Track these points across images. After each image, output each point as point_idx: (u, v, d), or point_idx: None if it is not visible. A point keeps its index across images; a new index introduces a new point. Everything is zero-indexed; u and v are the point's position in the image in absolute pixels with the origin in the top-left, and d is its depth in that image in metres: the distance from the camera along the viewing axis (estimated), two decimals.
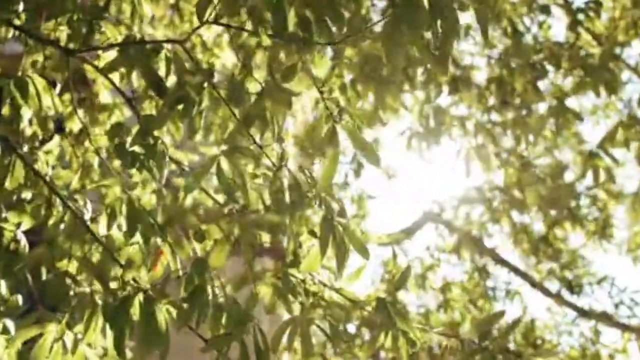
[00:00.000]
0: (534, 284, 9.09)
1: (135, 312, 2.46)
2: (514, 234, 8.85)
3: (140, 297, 2.49)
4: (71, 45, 3.04)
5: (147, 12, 3.27)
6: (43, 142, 3.16)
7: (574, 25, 5.93)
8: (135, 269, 2.64)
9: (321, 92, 2.20)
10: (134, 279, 2.63)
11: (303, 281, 2.97)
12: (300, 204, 2.35)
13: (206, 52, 3.69)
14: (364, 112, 2.17)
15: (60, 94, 3.15)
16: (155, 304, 2.47)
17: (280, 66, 2.19)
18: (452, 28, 1.98)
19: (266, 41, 2.19)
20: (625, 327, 9.26)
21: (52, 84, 2.97)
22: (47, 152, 3.15)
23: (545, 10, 6.10)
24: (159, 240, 2.64)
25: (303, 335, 2.89)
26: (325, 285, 2.99)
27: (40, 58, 3.21)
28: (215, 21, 2.34)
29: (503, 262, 9.01)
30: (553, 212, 8.51)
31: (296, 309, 2.93)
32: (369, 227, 7.99)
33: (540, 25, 7.02)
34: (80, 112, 3.28)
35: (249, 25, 2.25)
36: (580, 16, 5.92)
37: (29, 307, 2.87)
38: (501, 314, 3.26)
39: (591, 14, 5.88)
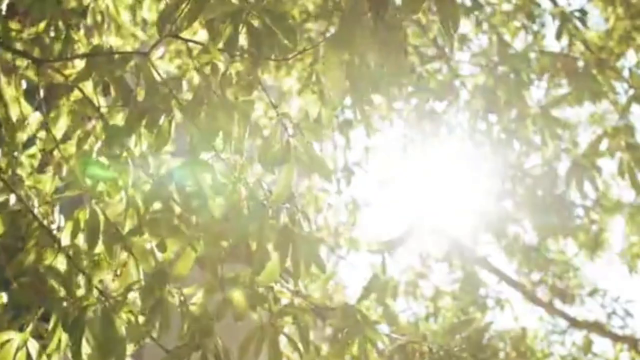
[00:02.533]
0: (525, 293, 9.10)
1: (93, 322, 2.47)
2: (506, 243, 8.86)
3: (99, 307, 2.49)
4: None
5: (124, 22, 3.28)
6: (25, 147, 3.17)
7: (560, 34, 5.93)
8: (98, 279, 2.65)
9: (275, 107, 2.21)
10: (97, 289, 2.65)
11: (271, 288, 2.99)
12: (256, 215, 2.36)
13: (176, 60, 3.72)
14: (314, 126, 2.17)
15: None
16: (114, 314, 2.48)
17: (237, 80, 2.20)
18: (398, 46, 1.98)
19: (218, 56, 2.20)
20: (617, 337, 9.25)
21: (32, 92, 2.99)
22: (31, 156, 3.17)
23: (531, 17, 6.11)
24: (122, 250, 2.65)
25: (271, 343, 2.91)
26: (294, 292, 3.01)
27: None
28: (176, 35, 2.35)
29: (494, 271, 9.01)
30: (545, 222, 8.52)
31: (265, 316, 2.95)
32: (361, 234, 8.00)
33: (535, 35, 7.03)
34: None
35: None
36: (568, 25, 5.93)
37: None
38: (470, 321, 3.28)
39: (577, 22, 5.88)
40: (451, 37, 2.08)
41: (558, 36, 5.90)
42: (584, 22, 5.83)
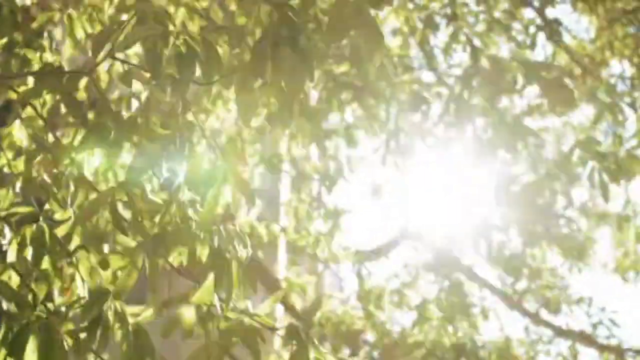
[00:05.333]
0: (511, 303, 9.11)
1: (33, 339, 2.50)
2: (491, 252, 8.88)
3: (38, 324, 2.52)
4: None
5: (80, 37, 3.32)
6: None
7: (533, 43, 5.97)
8: (44, 295, 2.68)
9: (202, 130, 2.25)
10: (43, 304, 2.68)
11: (220, 307, 3.01)
12: (183, 236, 2.40)
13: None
14: (234, 148, 2.21)
15: None
16: (54, 331, 2.51)
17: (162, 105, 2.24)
18: (307, 72, 2.01)
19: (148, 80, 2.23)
20: (603, 347, 9.25)
21: None
22: None
23: (506, 29, 6.14)
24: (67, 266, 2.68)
25: None
26: (242, 311, 3.02)
27: None
28: (113, 57, 2.39)
29: (480, 280, 9.02)
30: (530, 231, 8.55)
31: (212, 334, 2.97)
32: (346, 243, 8.02)
33: (519, 45, 7.06)
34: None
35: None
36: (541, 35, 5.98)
37: None
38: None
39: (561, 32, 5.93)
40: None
41: (532, 46, 5.94)
42: (558, 33, 5.87)
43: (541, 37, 7.00)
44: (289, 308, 6.74)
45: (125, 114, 2.61)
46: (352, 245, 8.01)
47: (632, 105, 6.69)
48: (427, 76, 6.81)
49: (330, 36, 1.99)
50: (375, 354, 8.16)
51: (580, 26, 7.81)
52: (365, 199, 8.44)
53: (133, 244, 2.75)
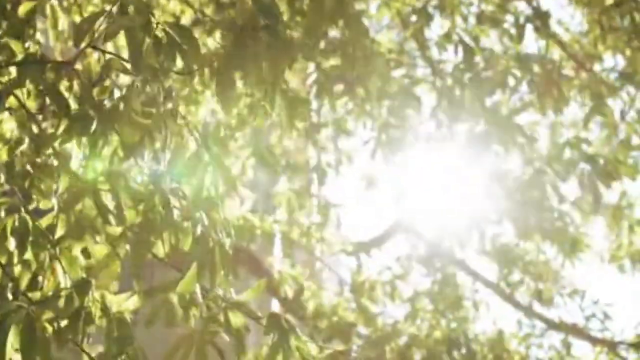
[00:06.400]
0: (504, 296, 9.12)
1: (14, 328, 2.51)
2: (484, 245, 8.89)
3: (20, 314, 2.53)
4: None
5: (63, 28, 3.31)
6: None
7: (520, 37, 5.97)
8: (26, 285, 2.69)
9: (184, 118, 2.26)
10: (24, 295, 2.69)
11: (203, 296, 3.01)
12: (168, 223, 2.40)
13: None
14: (217, 137, 2.21)
15: None
16: (35, 321, 2.52)
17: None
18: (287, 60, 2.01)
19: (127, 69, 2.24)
20: (596, 341, 9.27)
21: None
22: None
23: (495, 22, 6.14)
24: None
25: (198, 350, 2.93)
26: (224, 300, 3.03)
27: None
28: (94, 46, 2.39)
29: (473, 273, 9.04)
30: (523, 224, 8.54)
31: (195, 323, 2.98)
32: (338, 235, 8.02)
33: (511, 37, 7.05)
34: None
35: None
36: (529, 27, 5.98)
37: None
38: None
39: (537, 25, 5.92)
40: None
41: (520, 37, 5.94)
42: (546, 25, 5.87)
43: (533, 30, 7.00)
44: (281, 300, 6.76)
45: (107, 104, 2.62)
46: (345, 237, 8.03)
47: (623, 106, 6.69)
48: (422, 70, 6.82)
49: (311, 25, 2.00)
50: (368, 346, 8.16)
51: (575, 20, 7.78)
52: (359, 191, 8.44)
53: (117, 233, 2.75)
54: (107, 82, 2.70)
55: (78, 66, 2.65)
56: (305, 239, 7.07)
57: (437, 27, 6.74)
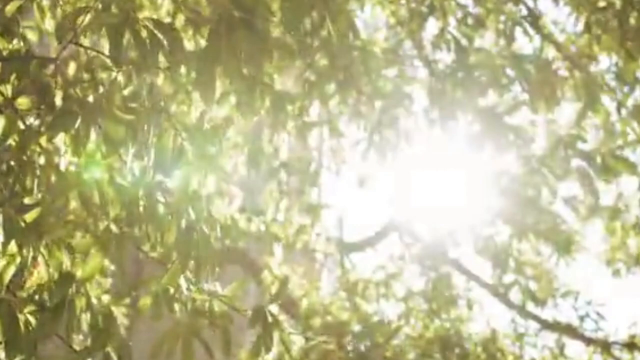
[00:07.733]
0: (498, 296, 9.13)
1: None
2: (479, 245, 8.91)
3: (3, 306, 2.56)
4: None
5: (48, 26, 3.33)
6: None
7: (510, 39, 5.98)
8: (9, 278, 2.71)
9: (167, 112, 2.27)
10: (7, 287, 2.71)
11: (188, 289, 3.04)
12: (152, 216, 2.42)
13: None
14: (201, 132, 2.24)
15: None
16: (18, 313, 2.54)
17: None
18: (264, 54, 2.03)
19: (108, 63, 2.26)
20: (590, 340, 9.28)
21: None
22: None
23: (480, 22, 6.15)
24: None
25: (184, 343, 2.96)
26: (209, 294, 3.05)
27: None
28: (76, 42, 2.41)
29: (466, 273, 9.05)
30: (517, 224, 8.56)
31: (181, 317, 3.00)
32: (330, 234, 8.04)
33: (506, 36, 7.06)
34: None
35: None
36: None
37: None
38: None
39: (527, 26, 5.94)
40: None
41: (511, 36, 5.95)
42: (537, 27, 5.88)
43: (528, 30, 7.01)
44: (273, 298, 6.73)
45: (91, 99, 2.63)
46: (338, 236, 8.04)
47: (618, 104, 6.70)
48: (416, 70, 6.83)
49: (289, 17, 2.01)
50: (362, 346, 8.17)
51: (570, 20, 7.80)
52: (352, 191, 8.47)
53: (101, 227, 2.77)
54: (90, 78, 2.72)
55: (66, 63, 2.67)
56: (295, 239, 7.08)
57: (432, 26, 6.76)
